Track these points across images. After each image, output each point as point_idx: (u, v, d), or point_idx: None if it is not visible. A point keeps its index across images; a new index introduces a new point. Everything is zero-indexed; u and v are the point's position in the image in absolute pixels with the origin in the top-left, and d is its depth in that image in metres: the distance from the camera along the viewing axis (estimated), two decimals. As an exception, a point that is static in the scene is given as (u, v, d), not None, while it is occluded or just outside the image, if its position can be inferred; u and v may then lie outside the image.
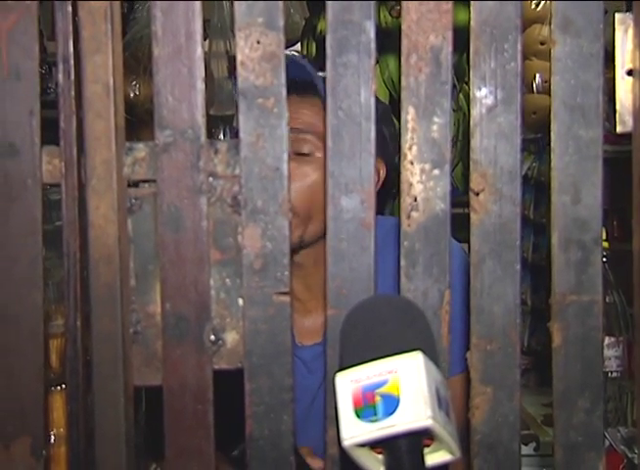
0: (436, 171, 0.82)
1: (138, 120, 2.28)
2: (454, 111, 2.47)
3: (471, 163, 0.82)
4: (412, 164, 0.82)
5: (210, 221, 0.83)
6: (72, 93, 0.80)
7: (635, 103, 0.84)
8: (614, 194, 1.84)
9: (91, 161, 0.82)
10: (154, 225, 0.83)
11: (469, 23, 0.82)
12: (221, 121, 2.68)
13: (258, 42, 0.82)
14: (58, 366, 1.04)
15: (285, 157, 0.82)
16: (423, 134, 0.82)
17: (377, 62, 0.83)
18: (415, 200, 0.83)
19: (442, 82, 0.82)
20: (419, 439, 0.72)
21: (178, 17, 0.81)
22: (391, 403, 0.70)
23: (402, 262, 0.83)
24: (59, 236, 0.81)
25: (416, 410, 0.70)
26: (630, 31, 0.84)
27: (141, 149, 0.83)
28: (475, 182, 0.82)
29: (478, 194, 0.82)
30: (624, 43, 0.85)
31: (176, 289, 0.83)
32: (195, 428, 0.83)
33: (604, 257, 0.85)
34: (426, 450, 0.73)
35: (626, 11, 0.85)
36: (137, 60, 2.45)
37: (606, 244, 1.15)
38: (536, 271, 2.80)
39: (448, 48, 0.82)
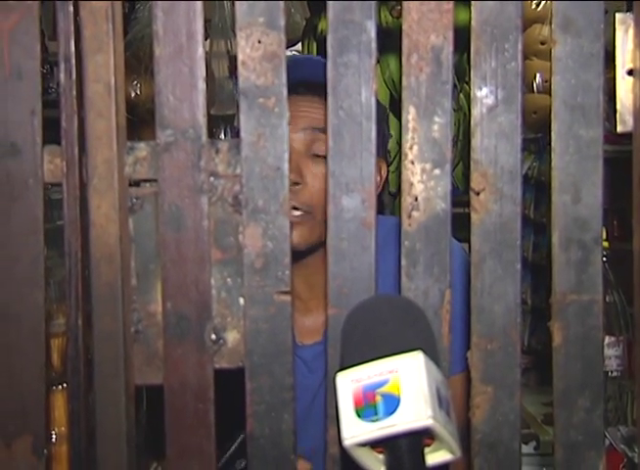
0: (437, 171, 0.83)
1: (139, 120, 2.28)
2: (455, 110, 2.47)
3: (471, 162, 0.82)
4: (413, 163, 0.83)
5: (211, 221, 0.83)
6: (74, 93, 0.80)
7: (635, 103, 0.84)
8: (614, 193, 1.84)
9: (92, 160, 0.82)
10: (155, 225, 0.83)
11: (469, 22, 0.82)
12: (222, 121, 2.68)
13: (259, 42, 0.82)
14: (59, 365, 1.05)
15: (286, 156, 0.82)
16: (424, 134, 0.82)
17: (377, 61, 0.83)
18: (416, 199, 0.83)
19: (443, 82, 0.82)
20: (419, 438, 0.72)
21: (179, 16, 0.82)
22: (392, 403, 0.71)
23: (403, 262, 0.83)
24: (60, 235, 0.81)
25: (416, 410, 0.70)
26: (631, 31, 0.84)
27: (142, 148, 0.83)
28: (475, 182, 0.82)
29: (478, 193, 0.82)
30: (625, 43, 0.85)
31: (177, 288, 0.83)
32: (196, 427, 0.83)
33: (604, 256, 0.85)
34: (426, 450, 0.73)
35: (627, 11, 0.85)
36: (138, 59, 2.45)
37: (606, 243, 1.15)
38: (537, 271, 2.80)
39: (449, 48, 0.82)
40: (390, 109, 2.54)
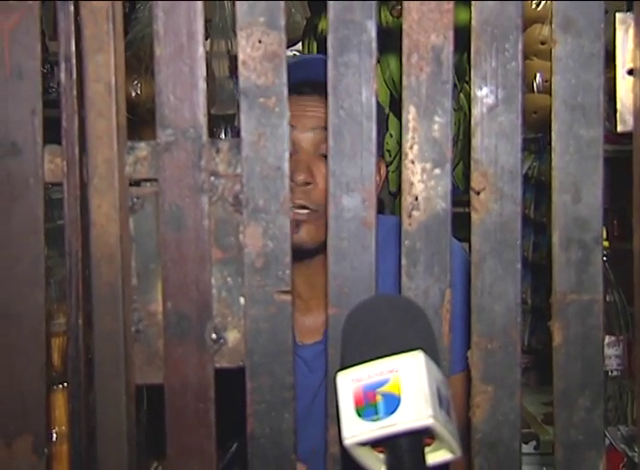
0: (437, 171, 0.83)
1: (140, 120, 2.28)
2: (455, 110, 2.47)
3: (472, 162, 0.82)
4: (413, 163, 0.83)
5: (212, 220, 0.83)
6: (74, 92, 0.80)
7: (636, 102, 0.84)
8: (614, 193, 1.84)
9: (93, 160, 0.82)
10: (155, 224, 0.83)
11: (470, 22, 0.82)
12: (222, 121, 2.68)
13: (260, 42, 0.82)
14: (60, 365, 1.04)
15: (286, 156, 0.83)
16: (424, 133, 0.82)
17: (378, 61, 0.83)
18: (416, 199, 0.83)
19: (443, 82, 0.82)
20: (420, 438, 0.72)
21: (180, 16, 0.82)
22: (392, 402, 0.71)
23: (403, 261, 0.83)
24: (61, 235, 0.81)
25: (417, 409, 0.70)
26: (631, 31, 0.85)
27: (143, 148, 0.83)
28: (475, 181, 0.82)
29: (478, 193, 0.82)
30: (625, 43, 0.85)
31: (178, 288, 0.83)
32: (196, 426, 0.83)
33: (604, 256, 0.85)
34: (427, 449, 0.74)
35: (627, 10, 0.85)
36: (139, 59, 2.46)
37: (606, 243, 1.15)
38: (537, 270, 2.80)
39: (449, 47, 0.82)
40: (391, 108, 2.54)
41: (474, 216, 0.83)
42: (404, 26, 0.82)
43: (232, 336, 0.84)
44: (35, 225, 0.82)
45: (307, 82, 1.24)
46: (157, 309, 0.84)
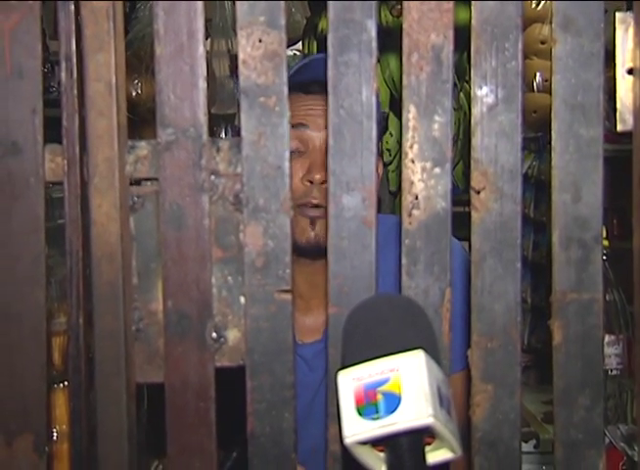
0: (437, 170, 0.83)
1: (140, 119, 2.29)
2: (455, 109, 2.47)
3: (472, 161, 0.82)
4: (413, 162, 0.83)
5: (212, 219, 0.83)
6: (75, 92, 0.80)
7: (635, 102, 0.84)
8: (614, 192, 1.84)
9: (93, 159, 0.82)
10: (156, 223, 0.83)
11: (470, 22, 0.82)
12: (223, 120, 2.68)
13: (260, 41, 0.82)
14: (60, 364, 1.05)
15: (286, 155, 0.83)
16: (424, 133, 0.83)
17: (378, 61, 0.83)
18: (416, 198, 0.83)
19: (443, 81, 0.82)
20: (420, 437, 0.72)
21: (180, 16, 0.82)
22: (393, 401, 0.71)
23: (403, 260, 0.83)
24: (61, 234, 0.81)
25: (417, 408, 0.70)
26: (631, 30, 0.85)
27: (143, 147, 0.83)
28: (475, 180, 0.83)
29: (478, 192, 0.82)
30: (625, 42, 0.85)
31: (178, 287, 0.83)
32: (197, 425, 0.83)
33: (604, 255, 0.86)
34: (427, 449, 0.74)
35: (627, 10, 0.85)
36: (139, 59, 2.46)
37: (606, 242, 1.15)
38: (536, 269, 2.80)
39: (449, 47, 0.82)
40: (391, 108, 2.54)
41: (474, 216, 0.83)
42: (404, 26, 0.82)
43: (232, 335, 0.84)
44: (36, 224, 0.82)
45: (314, 81, 1.25)
46: (157, 308, 0.84)
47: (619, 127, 0.86)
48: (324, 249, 1.31)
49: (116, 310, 0.82)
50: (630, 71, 0.85)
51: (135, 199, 0.84)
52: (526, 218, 2.78)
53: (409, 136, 0.83)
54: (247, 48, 0.82)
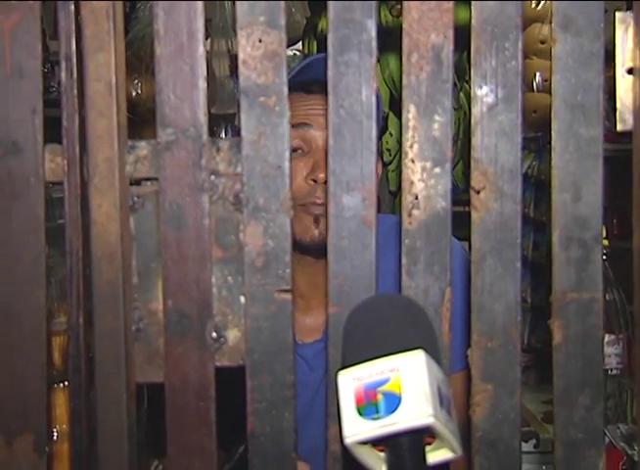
0: (437, 169, 0.83)
1: (140, 119, 2.28)
2: (455, 109, 2.47)
3: (472, 161, 0.82)
4: (413, 162, 0.83)
5: (212, 219, 0.83)
6: (75, 92, 0.80)
7: (635, 101, 0.84)
8: (614, 192, 1.84)
9: (93, 159, 0.82)
10: (156, 223, 0.83)
11: (469, 21, 0.82)
12: (223, 120, 2.68)
13: (260, 41, 0.82)
14: (60, 364, 1.05)
15: (286, 155, 0.83)
16: (424, 132, 0.83)
17: (377, 60, 0.83)
18: (416, 198, 0.83)
19: (443, 81, 0.82)
20: (420, 437, 0.72)
21: (180, 16, 0.82)
22: (393, 401, 0.71)
23: (403, 260, 0.84)
24: (61, 234, 0.81)
25: (418, 408, 0.70)
26: (630, 30, 0.85)
27: (143, 147, 0.83)
28: (475, 180, 0.83)
29: (478, 192, 0.82)
30: (625, 42, 0.85)
31: (178, 286, 0.83)
32: (197, 425, 0.83)
33: (604, 254, 0.86)
34: (427, 449, 0.74)
35: (627, 10, 0.85)
36: (139, 58, 2.46)
37: (606, 242, 1.15)
38: (536, 269, 2.80)
39: (449, 47, 0.82)
40: (391, 107, 2.54)
41: (474, 215, 0.83)
42: (404, 26, 0.82)
43: (232, 335, 0.84)
44: (36, 224, 0.82)
45: (315, 81, 1.25)
46: (157, 308, 0.84)
47: (619, 127, 0.86)
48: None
49: (117, 310, 0.82)
50: (630, 71, 0.85)
51: (135, 199, 0.84)
52: (526, 218, 2.78)
53: (409, 136, 0.83)
54: (247, 48, 0.82)
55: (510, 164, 0.82)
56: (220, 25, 2.56)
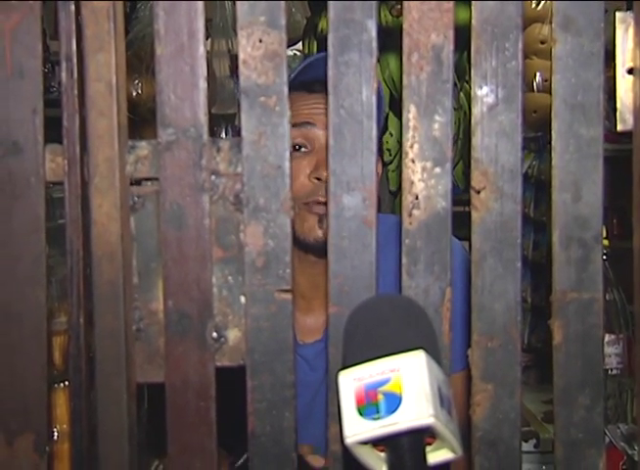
0: (438, 169, 0.83)
1: (141, 119, 2.29)
2: (455, 109, 2.47)
3: (472, 161, 0.83)
4: (413, 162, 0.83)
5: (213, 219, 0.83)
6: (75, 92, 0.81)
7: (636, 101, 0.84)
8: (614, 192, 1.84)
9: (94, 159, 0.82)
10: (156, 223, 0.83)
11: (470, 21, 0.82)
12: (223, 120, 2.68)
13: (260, 41, 0.82)
14: (61, 363, 1.05)
15: (287, 155, 0.83)
16: (424, 132, 0.83)
17: (377, 61, 0.83)
18: (416, 198, 0.83)
19: (444, 81, 0.82)
20: (421, 437, 0.72)
21: (181, 16, 0.82)
22: (394, 402, 0.71)
23: (404, 260, 0.84)
24: (62, 234, 0.81)
25: (418, 408, 0.70)
26: (631, 30, 0.85)
27: (144, 147, 0.83)
28: (476, 180, 0.83)
29: (479, 192, 0.82)
30: (625, 42, 0.85)
31: (179, 286, 0.83)
32: (197, 425, 0.83)
33: (604, 254, 0.86)
34: (428, 449, 0.74)
35: (627, 10, 0.85)
36: (140, 59, 2.46)
37: (606, 242, 1.15)
38: (536, 269, 2.80)
39: (449, 47, 0.82)
40: (391, 108, 2.54)
41: (474, 215, 0.83)
42: (404, 26, 0.82)
43: (233, 334, 0.84)
44: (36, 224, 0.82)
45: (317, 80, 1.25)
46: (158, 308, 0.84)
47: (619, 127, 0.86)
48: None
49: (117, 310, 0.82)
50: (630, 71, 0.85)
51: (135, 199, 0.84)
52: (527, 218, 2.78)
53: (409, 136, 0.83)
54: (247, 48, 0.82)
55: (510, 163, 0.82)
56: (221, 25, 2.56)
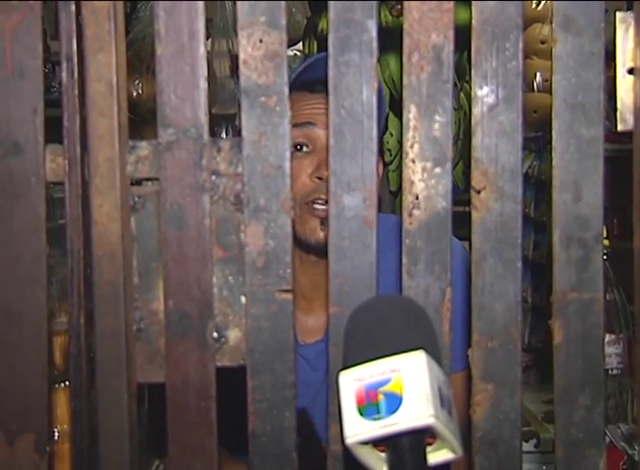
0: (438, 170, 0.83)
1: (141, 119, 2.29)
2: (455, 109, 2.47)
3: (472, 161, 0.83)
4: (414, 162, 0.83)
5: (213, 219, 0.83)
6: (76, 92, 0.81)
7: (636, 101, 0.84)
8: (614, 192, 1.84)
9: (94, 159, 0.82)
10: (157, 223, 0.84)
11: (470, 21, 0.82)
12: (224, 120, 2.68)
13: (261, 41, 0.82)
14: (61, 363, 1.05)
15: (287, 155, 0.83)
16: (424, 132, 0.83)
17: (378, 61, 0.83)
18: (417, 198, 0.83)
19: (444, 81, 0.82)
20: (421, 437, 0.72)
21: (181, 16, 0.82)
22: (394, 402, 0.71)
23: (404, 260, 0.84)
24: (62, 234, 0.81)
25: (418, 409, 0.70)
26: (631, 30, 0.85)
27: (144, 147, 0.83)
28: (476, 180, 0.83)
29: (479, 192, 0.82)
30: (625, 42, 0.85)
31: (179, 286, 0.83)
32: (198, 425, 0.83)
33: (604, 254, 0.86)
34: (428, 449, 0.74)
35: (627, 10, 0.85)
36: (140, 59, 2.46)
37: (606, 242, 1.15)
38: (537, 269, 2.80)
39: (450, 47, 0.82)
40: (391, 108, 2.54)
41: (474, 215, 0.83)
42: (405, 26, 0.82)
43: (233, 334, 0.84)
44: (37, 224, 0.82)
45: (318, 80, 1.25)
46: (158, 308, 0.84)
47: (620, 127, 0.86)
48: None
49: (117, 310, 0.82)
50: (631, 71, 0.85)
51: (136, 199, 0.84)
52: (527, 218, 2.77)
53: (410, 136, 0.83)
54: (247, 48, 0.82)
55: (510, 164, 0.82)
56: (221, 26, 2.56)
